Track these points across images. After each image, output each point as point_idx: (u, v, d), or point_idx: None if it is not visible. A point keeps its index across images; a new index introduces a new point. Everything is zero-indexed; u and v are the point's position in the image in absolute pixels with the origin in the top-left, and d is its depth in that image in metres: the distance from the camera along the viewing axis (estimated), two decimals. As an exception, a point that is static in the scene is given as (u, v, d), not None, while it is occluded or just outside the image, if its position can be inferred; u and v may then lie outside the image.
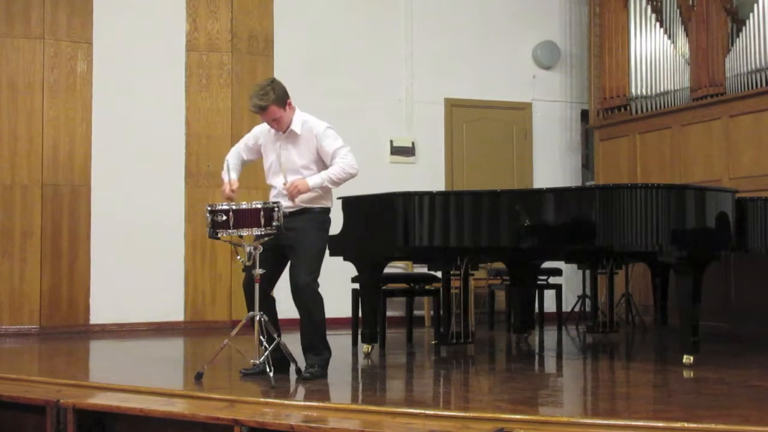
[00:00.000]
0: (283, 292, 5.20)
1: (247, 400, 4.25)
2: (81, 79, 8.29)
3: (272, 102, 4.92)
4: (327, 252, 5.24)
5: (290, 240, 4.97)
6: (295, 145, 5.05)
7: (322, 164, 5.06)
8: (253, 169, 5.71)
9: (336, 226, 5.89)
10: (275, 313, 5.20)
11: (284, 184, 4.95)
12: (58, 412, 4.24)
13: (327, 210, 5.15)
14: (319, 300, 5.01)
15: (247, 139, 5.29)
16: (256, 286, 4.86)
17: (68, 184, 8.19)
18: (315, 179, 4.94)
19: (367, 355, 6.10)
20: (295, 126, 5.04)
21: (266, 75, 8.59)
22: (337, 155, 4.99)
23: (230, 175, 5.10)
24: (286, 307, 5.25)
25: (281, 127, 5.04)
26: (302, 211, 5.03)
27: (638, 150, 8.81)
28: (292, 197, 4.93)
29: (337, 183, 5.00)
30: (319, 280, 5.05)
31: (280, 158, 5.04)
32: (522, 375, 5.36)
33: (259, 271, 4.84)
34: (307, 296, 4.96)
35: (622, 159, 9.00)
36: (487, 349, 6.84)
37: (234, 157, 5.27)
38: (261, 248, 4.83)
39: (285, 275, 5.16)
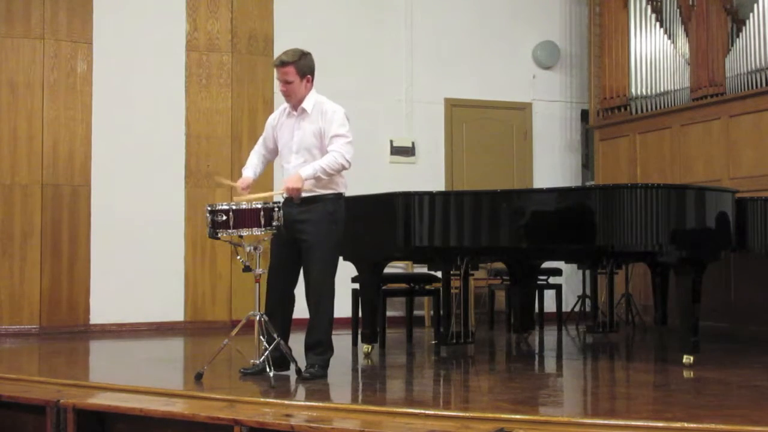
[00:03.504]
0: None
1: (247, 400, 4.25)
2: (81, 79, 8.29)
3: (293, 62, 4.94)
4: None
5: (303, 233, 4.94)
6: (305, 122, 5.03)
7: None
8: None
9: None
10: (291, 314, 5.17)
11: (283, 189, 4.91)
12: (58, 412, 4.24)
13: (339, 196, 5.04)
14: (331, 299, 4.99)
15: (265, 132, 5.30)
16: (256, 285, 4.86)
17: (68, 184, 8.19)
18: (308, 170, 4.86)
19: (367, 355, 6.10)
20: (307, 105, 5.03)
21: (266, 75, 8.61)
22: (335, 142, 4.92)
23: (246, 171, 5.18)
24: (296, 307, 5.24)
25: (290, 93, 5.01)
26: (314, 200, 4.96)
27: (638, 150, 8.80)
28: (297, 197, 4.90)
29: (329, 174, 4.90)
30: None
31: (294, 137, 5.04)
32: (522, 375, 5.36)
33: (258, 271, 4.84)
34: (320, 295, 4.95)
35: (622, 159, 9.00)
36: (487, 349, 6.83)
37: (254, 154, 5.31)
38: (261, 248, 4.84)
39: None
